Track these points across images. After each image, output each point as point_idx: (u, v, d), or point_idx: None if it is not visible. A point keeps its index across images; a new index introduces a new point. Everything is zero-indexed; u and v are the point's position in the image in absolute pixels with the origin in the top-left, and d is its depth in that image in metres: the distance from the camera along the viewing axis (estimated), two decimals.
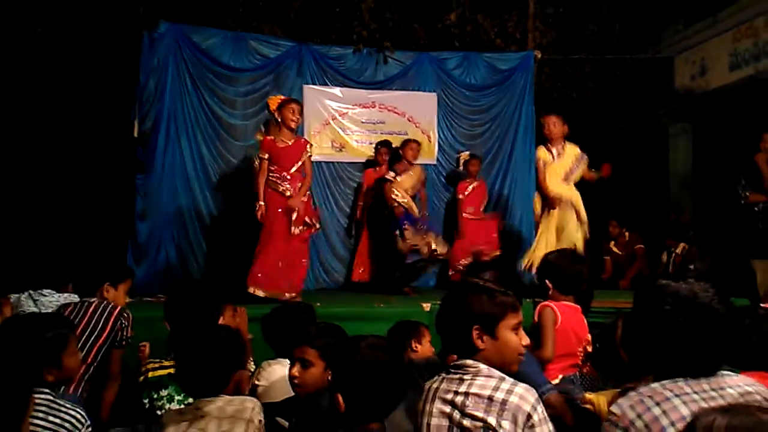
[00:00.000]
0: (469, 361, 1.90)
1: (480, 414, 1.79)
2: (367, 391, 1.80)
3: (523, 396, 1.80)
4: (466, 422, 1.81)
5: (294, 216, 5.36)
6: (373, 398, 1.81)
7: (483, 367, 1.88)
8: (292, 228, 5.37)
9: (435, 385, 1.94)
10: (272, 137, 5.53)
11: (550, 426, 1.81)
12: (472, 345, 1.90)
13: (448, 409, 1.86)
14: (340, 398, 1.80)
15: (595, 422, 2.31)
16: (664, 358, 1.55)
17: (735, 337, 2.53)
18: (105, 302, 3.38)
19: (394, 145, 7.03)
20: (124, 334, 3.30)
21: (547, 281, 3.31)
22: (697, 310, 1.54)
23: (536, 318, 3.23)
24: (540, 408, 1.80)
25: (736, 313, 1.60)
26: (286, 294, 5.33)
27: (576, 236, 5.82)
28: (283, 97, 5.74)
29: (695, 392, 1.48)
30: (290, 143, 5.48)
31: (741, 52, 8.19)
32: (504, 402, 1.78)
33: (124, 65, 6.73)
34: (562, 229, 5.85)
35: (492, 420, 1.77)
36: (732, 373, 1.55)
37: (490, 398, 1.80)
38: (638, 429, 1.47)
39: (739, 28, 8.21)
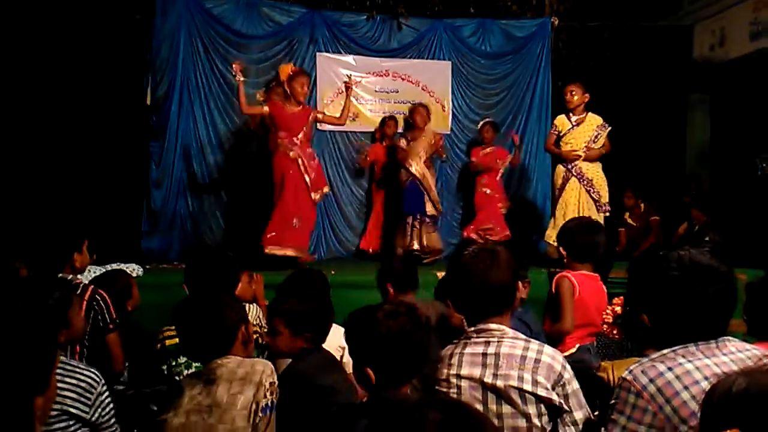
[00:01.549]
0: (493, 325, 1.92)
1: (515, 372, 1.83)
2: (397, 360, 1.80)
3: (554, 356, 1.87)
4: (500, 383, 1.84)
5: (309, 180, 5.53)
6: (403, 365, 1.81)
7: (508, 330, 1.91)
8: (312, 194, 5.58)
9: (458, 350, 1.94)
10: (281, 103, 5.65)
11: (577, 383, 1.88)
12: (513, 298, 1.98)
13: (477, 372, 1.88)
14: (371, 372, 1.79)
15: (608, 391, 2.31)
16: (674, 323, 1.55)
17: (755, 308, 2.54)
18: (72, 284, 3.00)
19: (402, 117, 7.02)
20: (106, 316, 3.01)
21: (562, 249, 3.29)
22: (705, 272, 1.54)
23: (553, 289, 3.21)
24: (568, 367, 1.89)
25: (733, 274, 1.60)
26: (298, 253, 5.49)
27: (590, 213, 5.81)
28: (293, 68, 5.76)
29: (707, 357, 1.49)
30: (297, 110, 5.63)
31: (762, 21, 7.99)
32: (537, 361, 1.84)
33: (137, 32, 6.68)
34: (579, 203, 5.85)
35: (528, 376, 1.82)
36: (734, 338, 1.56)
37: (523, 357, 1.85)
38: (651, 393, 1.47)
39: None
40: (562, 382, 1.84)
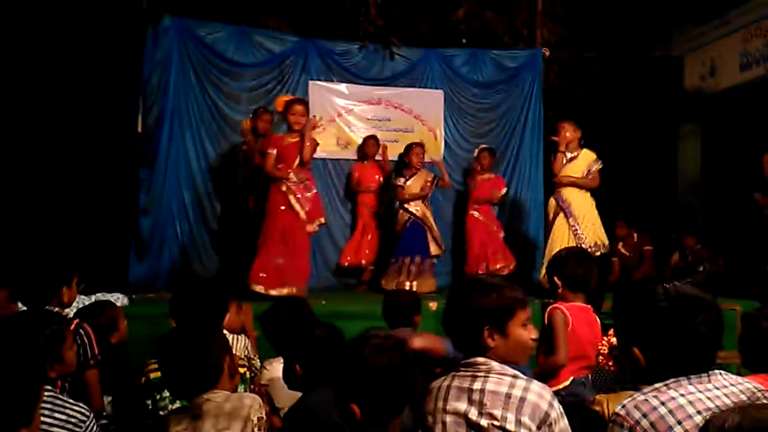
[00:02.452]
0: (480, 359, 1.88)
1: (499, 412, 1.78)
2: (386, 395, 1.73)
3: (540, 394, 1.81)
4: (484, 422, 1.80)
5: (302, 213, 5.43)
6: (391, 402, 1.75)
7: (495, 364, 1.87)
8: (308, 225, 5.50)
9: (446, 383, 1.91)
10: (278, 135, 5.67)
11: (565, 421, 1.83)
12: (483, 344, 1.88)
13: (463, 407, 1.84)
14: (356, 408, 1.72)
15: (603, 425, 2.26)
16: (664, 356, 1.55)
17: (751, 339, 2.50)
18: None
19: (398, 151, 6.98)
20: (88, 351, 2.92)
21: (555, 278, 3.23)
22: (692, 304, 1.55)
23: (546, 320, 3.14)
24: (556, 404, 1.82)
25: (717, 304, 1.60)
26: (285, 290, 5.34)
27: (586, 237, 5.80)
28: (288, 98, 5.77)
29: (699, 391, 1.48)
30: (294, 141, 5.55)
31: (751, 52, 8.10)
32: (522, 399, 1.78)
33: (128, 59, 6.67)
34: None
35: (511, 416, 1.76)
36: (723, 371, 1.55)
37: (508, 395, 1.80)
38: (644, 428, 1.45)
39: (749, 28, 8.13)
40: (549, 422, 1.78)
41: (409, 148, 6.66)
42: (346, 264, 6.95)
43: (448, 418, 1.84)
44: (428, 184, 6.58)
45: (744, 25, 8.19)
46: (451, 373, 1.92)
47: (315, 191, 5.77)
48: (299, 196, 5.51)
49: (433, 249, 6.55)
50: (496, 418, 1.78)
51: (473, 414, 1.81)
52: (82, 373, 2.91)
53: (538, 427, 1.77)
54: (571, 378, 3.11)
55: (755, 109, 7.71)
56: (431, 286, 6.40)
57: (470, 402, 1.82)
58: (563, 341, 3.04)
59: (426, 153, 6.81)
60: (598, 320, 3.33)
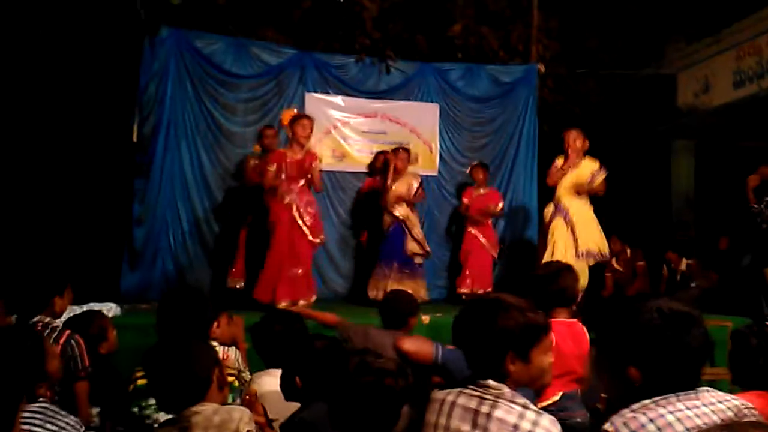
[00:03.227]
0: (492, 383, 1.80)
1: None
2: (376, 415, 1.73)
3: (549, 429, 1.74)
4: None
5: (305, 227, 5.45)
6: (383, 419, 1.74)
7: (507, 390, 1.79)
8: (311, 238, 5.52)
9: (450, 398, 1.84)
10: (281, 150, 5.63)
11: None
12: (504, 370, 1.81)
13: (466, 429, 1.78)
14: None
15: None
16: (654, 375, 1.53)
17: (741, 356, 2.50)
18: (49, 329, 2.96)
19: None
20: (78, 363, 2.91)
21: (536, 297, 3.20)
22: (684, 320, 1.53)
23: None
24: None
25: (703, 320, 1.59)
26: (302, 302, 5.39)
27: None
28: (295, 112, 5.80)
29: (688, 408, 1.47)
30: (299, 157, 5.55)
31: (745, 69, 8.17)
32: None
33: (125, 69, 6.68)
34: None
35: None
36: (710, 388, 1.54)
37: (516, 426, 1.72)
38: None
39: (742, 45, 8.20)
40: None
41: (395, 151, 6.66)
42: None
43: None
44: (413, 186, 6.54)
45: (737, 43, 8.27)
46: (457, 389, 1.86)
47: (316, 209, 5.77)
48: (301, 210, 5.50)
49: (413, 248, 6.45)
50: None
51: None
52: (72, 385, 2.90)
53: None
54: (561, 393, 3.10)
55: (748, 126, 7.77)
56: (421, 287, 6.36)
57: (474, 425, 1.76)
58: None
59: (420, 166, 6.82)
60: (587, 333, 3.33)
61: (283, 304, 5.27)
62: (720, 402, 1.49)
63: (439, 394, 1.89)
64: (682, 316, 1.54)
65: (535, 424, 1.72)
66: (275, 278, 5.40)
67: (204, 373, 2.03)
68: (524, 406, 1.77)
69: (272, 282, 5.40)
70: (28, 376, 2.16)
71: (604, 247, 5.95)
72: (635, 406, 1.51)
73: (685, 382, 1.52)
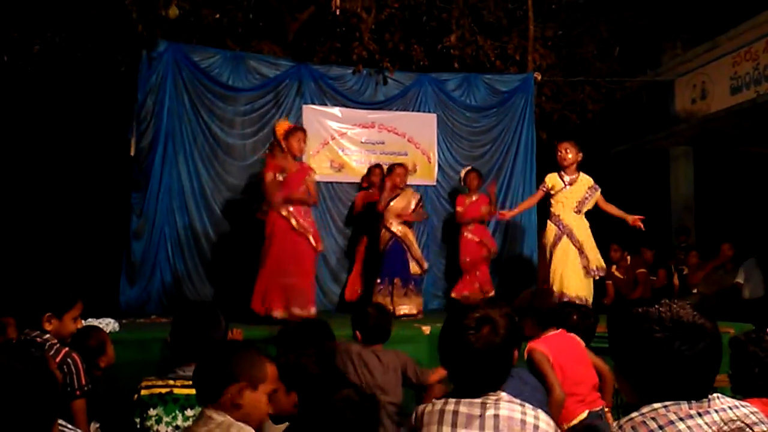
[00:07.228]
0: (492, 393, 1.87)
1: None
2: None
3: (549, 422, 1.87)
4: None
5: (310, 236, 5.47)
6: None
7: (504, 394, 1.88)
8: (316, 245, 5.53)
9: (449, 407, 1.86)
10: (280, 162, 5.58)
11: None
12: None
13: None
14: None
15: None
16: (660, 385, 1.49)
17: (738, 363, 2.48)
18: (46, 345, 2.88)
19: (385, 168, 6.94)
20: (75, 382, 2.84)
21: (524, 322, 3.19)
22: (689, 330, 1.48)
23: (527, 362, 3.11)
24: None
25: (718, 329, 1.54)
26: (290, 312, 5.31)
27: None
28: (290, 125, 5.78)
29: (699, 414, 1.44)
30: (295, 169, 5.55)
31: (741, 75, 8.20)
32: (536, 427, 1.82)
33: (123, 83, 6.70)
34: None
35: None
36: (721, 394, 1.51)
37: (523, 422, 1.82)
38: None
39: (738, 52, 8.23)
40: None
41: (391, 169, 6.58)
42: (351, 299, 6.82)
43: None
44: (412, 203, 6.49)
45: (733, 49, 8.30)
46: (449, 399, 1.88)
47: (313, 218, 5.75)
48: (301, 220, 5.49)
49: (413, 268, 6.43)
50: None
51: None
52: (69, 404, 2.85)
53: None
54: (587, 411, 3.08)
55: (746, 132, 7.77)
56: (418, 306, 6.34)
57: (482, 429, 1.80)
58: (553, 376, 3.03)
59: (418, 176, 6.79)
60: (578, 338, 3.33)
61: (277, 314, 5.24)
62: (731, 408, 1.47)
63: (426, 407, 1.91)
64: (686, 327, 1.49)
65: (536, 418, 1.84)
66: (268, 288, 5.37)
67: (222, 379, 2.03)
68: (522, 404, 1.88)
69: (264, 292, 5.37)
70: (63, 394, 2.11)
71: (602, 263, 5.80)
72: (645, 410, 1.48)
73: (695, 391, 1.48)
